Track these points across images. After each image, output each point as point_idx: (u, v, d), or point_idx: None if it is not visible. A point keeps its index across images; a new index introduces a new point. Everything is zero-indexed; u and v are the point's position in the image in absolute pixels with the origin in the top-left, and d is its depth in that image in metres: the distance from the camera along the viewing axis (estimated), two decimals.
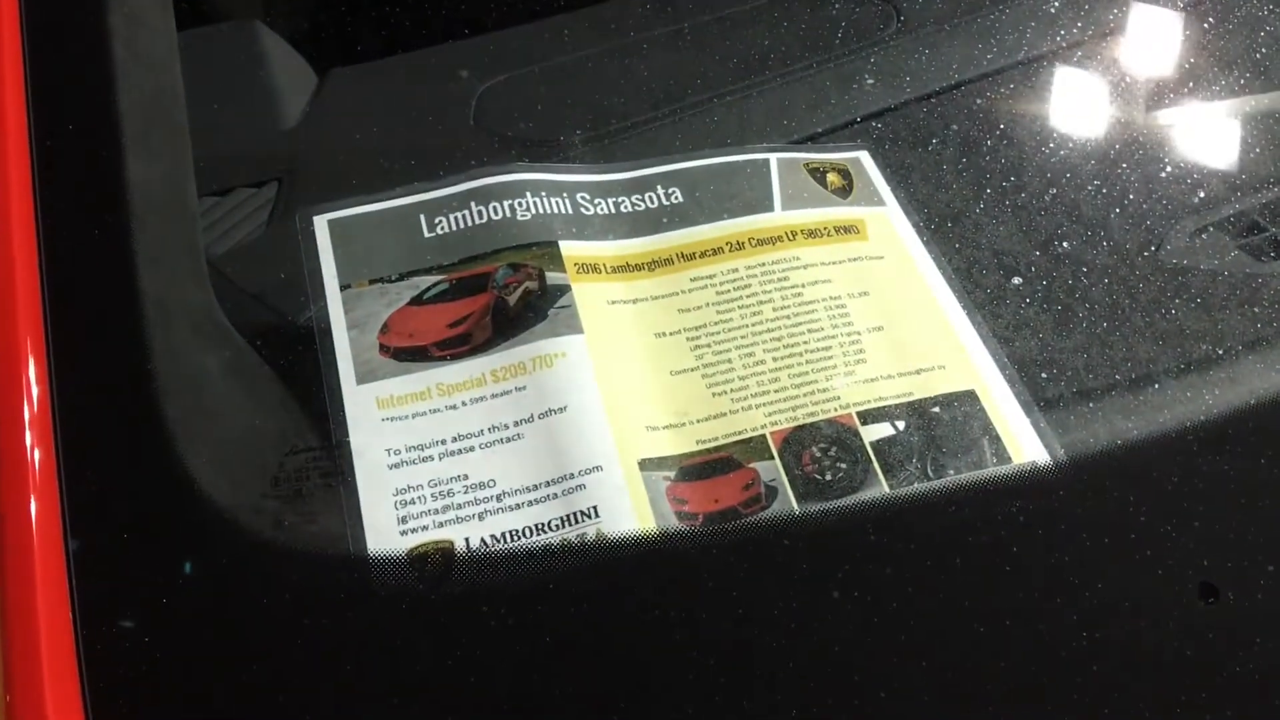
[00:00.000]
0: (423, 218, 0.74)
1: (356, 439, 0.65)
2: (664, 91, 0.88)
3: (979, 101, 0.83)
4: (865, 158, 0.80)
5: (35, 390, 0.64)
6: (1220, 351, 0.69)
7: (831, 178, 0.78)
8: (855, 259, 0.74)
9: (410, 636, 0.61)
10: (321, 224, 0.73)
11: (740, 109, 0.86)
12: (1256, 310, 0.72)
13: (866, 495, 0.64)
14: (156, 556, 0.61)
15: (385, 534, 0.62)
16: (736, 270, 0.73)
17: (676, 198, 0.76)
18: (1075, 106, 0.83)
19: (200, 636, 0.60)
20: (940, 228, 0.76)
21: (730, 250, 0.74)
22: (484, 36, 1.01)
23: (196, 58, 0.85)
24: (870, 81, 0.85)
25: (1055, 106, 0.83)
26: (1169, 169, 0.79)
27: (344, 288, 0.71)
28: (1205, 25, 0.88)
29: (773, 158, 0.78)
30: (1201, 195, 0.78)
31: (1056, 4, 0.88)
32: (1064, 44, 0.86)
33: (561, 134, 0.86)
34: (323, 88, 1.03)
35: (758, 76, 0.86)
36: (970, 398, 0.68)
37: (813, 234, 0.75)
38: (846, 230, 0.75)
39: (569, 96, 0.93)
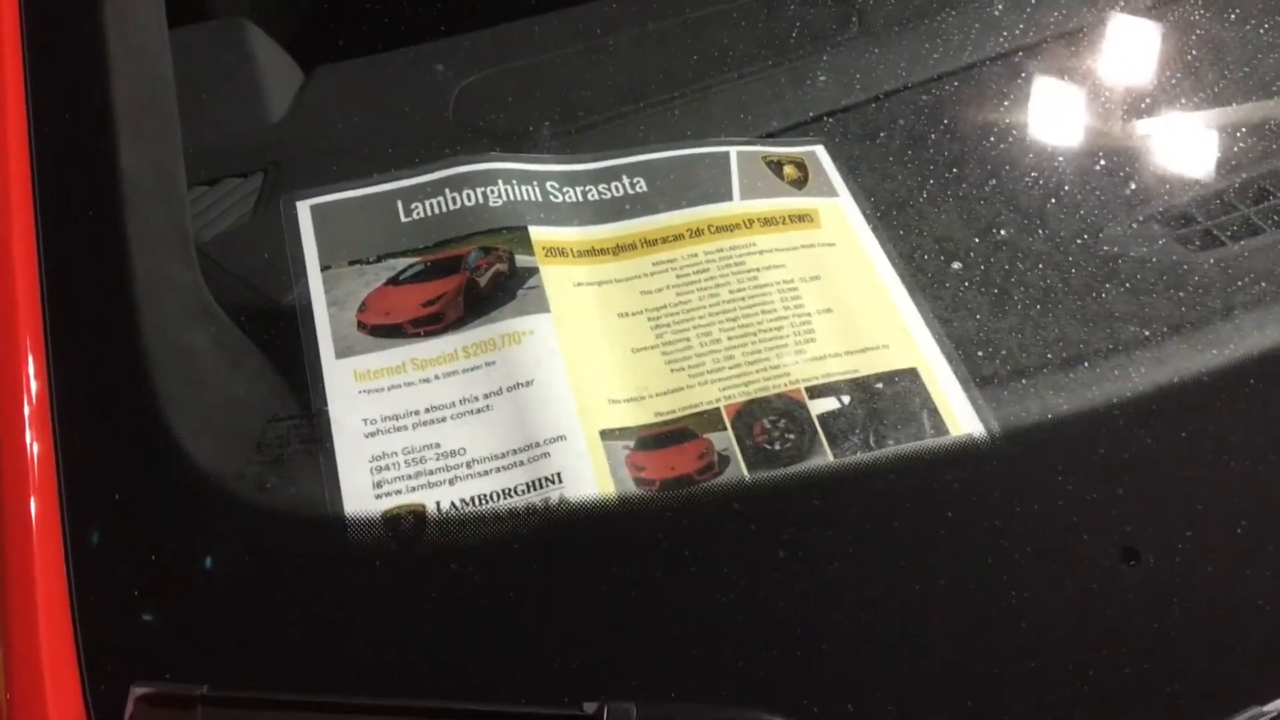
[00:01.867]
0: (400, 203, 0.78)
1: (335, 409, 0.69)
2: (630, 89, 0.92)
3: (926, 99, 0.87)
4: (821, 151, 0.85)
5: (33, 363, 0.68)
6: (1147, 333, 0.74)
7: (788, 170, 0.83)
8: (808, 245, 0.79)
9: (384, 593, 0.65)
10: (304, 208, 0.77)
11: (703, 106, 0.90)
12: (1182, 294, 0.76)
13: (812, 464, 0.68)
14: (147, 517, 0.65)
15: (361, 497, 0.66)
16: (696, 255, 0.77)
17: (641, 187, 0.81)
18: (1018, 105, 0.88)
19: (188, 591, 0.64)
20: (888, 217, 0.80)
21: (690, 236, 0.78)
22: (462, 36, 1.05)
23: (187, 53, 0.90)
24: (825, 80, 0.90)
25: (999, 105, 0.88)
26: (1106, 164, 0.84)
27: (325, 268, 0.75)
28: (1147, 28, 0.93)
29: (732, 150, 0.83)
30: (1134, 188, 0.83)
31: (1001, 7, 0.93)
32: (1008, 47, 0.91)
33: (533, 127, 0.90)
34: (309, 83, 1.07)
35: (720, 75, 0.91)
36: (912, 375, 0.73)
37: (769, 222, 0.79)
38: (801, 219, 0.80)
39: (541, 93, 0.97)
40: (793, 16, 0.95)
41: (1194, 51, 0.92)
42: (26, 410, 0.66)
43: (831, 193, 0.82)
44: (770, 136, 0.86)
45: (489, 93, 0.99)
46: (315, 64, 1.10)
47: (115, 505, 0.65)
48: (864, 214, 0.81)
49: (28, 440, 0.65)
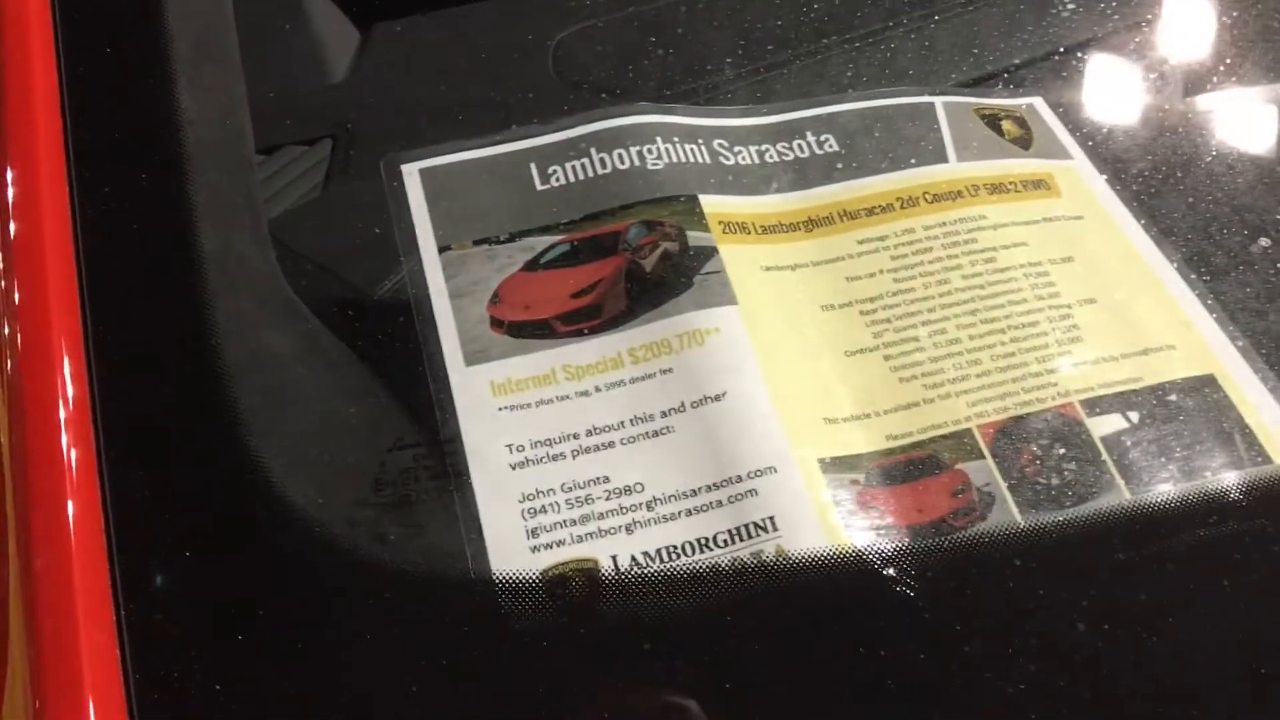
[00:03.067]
0: (534, 167, 0.61)
1: (471, 433, 0.52)
2: (787, 32, 0.75)
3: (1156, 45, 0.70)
4: (1040, 104, 0.68)
5: (70, 376, 0.51)
6: None
7: (1007, 126, 0.66)
8: (1050, 219, 0.62)
9: (547, 679, 0.48)
10: (413, 174, 0.60)
11: (880, 51, 0.73)
12: None
13: (1105, 502, 0.52)
14: (228, 584, 0.48)
15: (512, 550, 0.50)
16: (913, 230, 0.61)
17: (831, 145, 0.64)
18: None
19: (288, 685, 0.47)
20: (1141, 184, 0.64)
21: (902, 207, 0.61)
22: None
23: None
24: (1028, 21, 0.73)
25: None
26: None
27: (443, 250, 0.58)
28: None
29: (938, 101, 0.66)
30: None
31: None
32: None
33: (665, 87, 0.74)
34: (368, 43, 0.91)
35: (910, 15, 0.74)
36: (1210, 383, 0.56)
37: (997, 189, 0.63)
38: (1035, 185, 0.63)
39: (669, 45, 0.80)
40: None
41: None
42: (65, 442, 0.49)
43: (1064, 155, 0.66)
44: (974, 85, 0.69)
45: (598, 46, 0.82)
46: (369, 21, 0.94)
47: (184, 571, 0.48)
48: (1109, 182, 0.64)
49: (66, 484, 0.48)
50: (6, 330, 0.52)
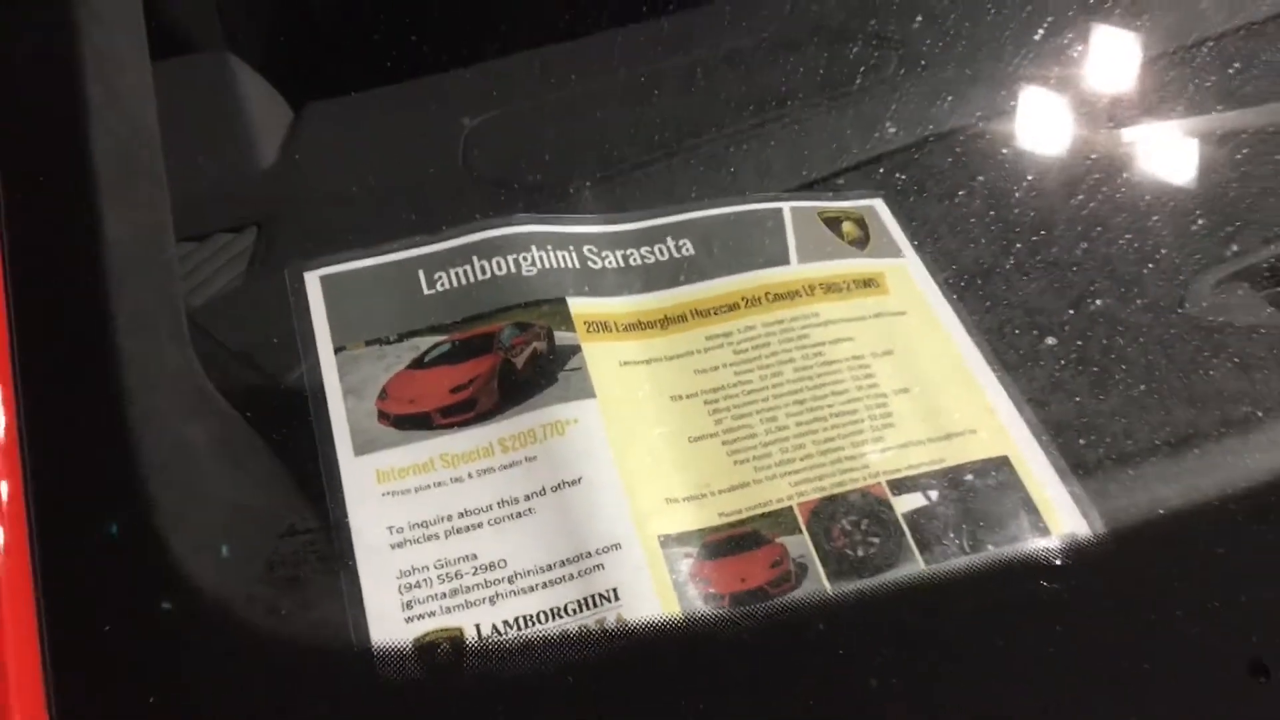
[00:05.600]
0: (422, 274, 0.69)
1: (356, 517, 0.61)
2: (659, 132, 0.84)
3: (1003, 150, 0.79)
4: (880, 205, 0.77)
5: (2, 466, 0.59)
6: (1260, 413, 0.66)
7: (847, 227, 0.75)
8: (877, 315, 0.71)
9: None
10: (314, 280, 0.68)
11: (748, 152, 0.82)
12: None
13: (902, 572, 0.60)
14: (140, 655, 0.56)
15: (389, 621, 0.58)
16: (754, 327, 0.69)
17: (688, 249, 0.72)
18: (1104, 155, 0.80)
19: None
20: (962, 282, 0.73)
21: (746, 306, 0.70)
22: (466, 69, 0.97)
23: (167, 93, 0.81)
24: (887, 126, 0.82)
25: (1083, 155, 0.80)
26: (1205, 223, 0.76)
27: (338, 350, 0.66)
28: (1237, 64, 0.86)
29: (786, 207, 0.75)
30: (1236, 248, 0.75)
31: (1053, 39, 0.85)
32: (1091, 89, 0.83)
33: (559, 179, 0.82)
34: (299, 124, 0.99)
35: (770, 117, 0.83)
36: (1004, 464, 0.65)
37: (831, 288, 0.71)
38: (866, 284, 0.72)
39: (560, 136, 0.89)
40: (843, 51, 0.87)
41: None
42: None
43: (896, 253, 0.74)
44: (819, 184, 0.78)
45: (504, 136, 0.91)
46: (301, 98, 1.01)
47: (102, 637, 0.56)
48: (933, 277, 0.73)
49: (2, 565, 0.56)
50: None
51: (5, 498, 0.57)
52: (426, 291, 0.68)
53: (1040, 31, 0.84)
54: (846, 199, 0.77)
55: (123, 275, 0.66)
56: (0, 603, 0.54)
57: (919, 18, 0.86)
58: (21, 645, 0.54)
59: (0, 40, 0.71)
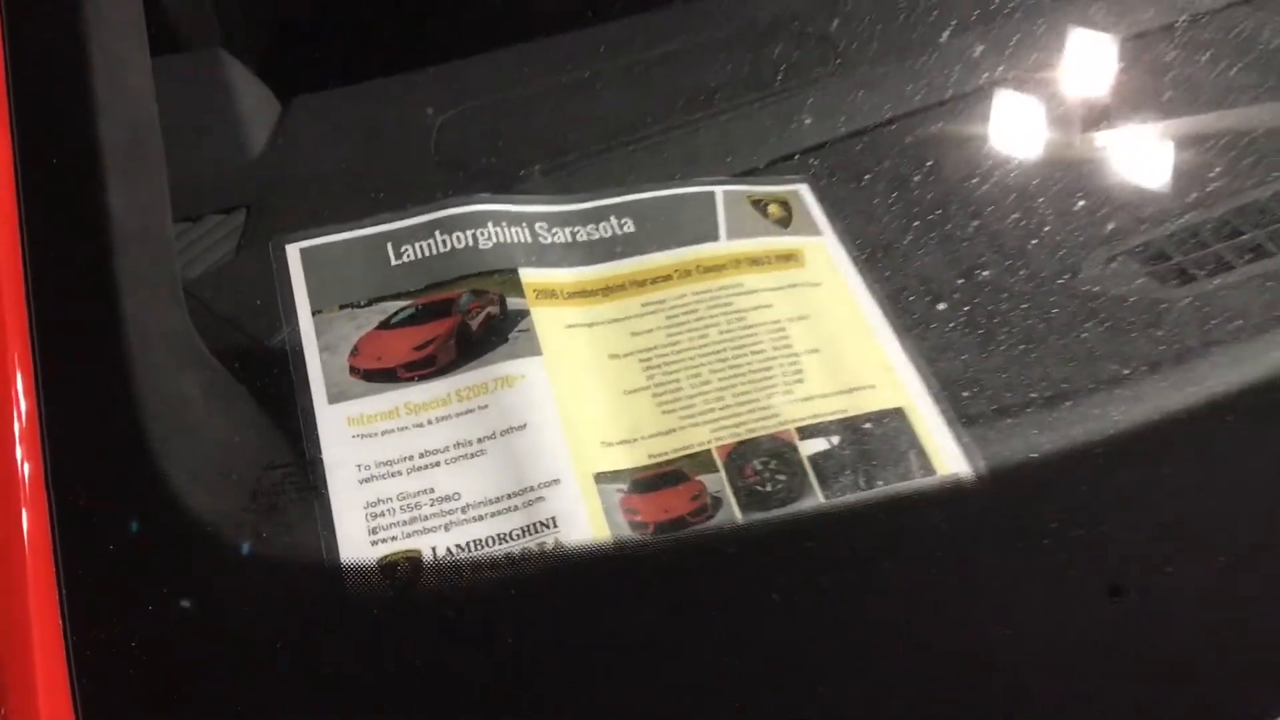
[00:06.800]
0: (390, 246, 0.78)
1: (329, 455, 0.70)
2: (614, 125, 0.93)
3: (906, 139, 0.89)
4: (805, 190, 0.86)
5: (25, 410, 0.68)
6: (1127, 371, 0.76)
7: (773, 209, 0.84)
8: (794, 285, 0.80)
9: (381, 641, 0.65)
10: (294, 252, 0.78)
11: (686, 142, 0.91)
12: (1160, 332, 0.78)
13: (803, 505, 0.69)
14: (142, 569, 0.65)
15: (357, 544, 0.67)
16: (684, 296, 0.78)
17: (629, 228, 0.81)
18: (997, 144, 0.90)
19: (186, 642, 0.64)
20: (870, 256, 0.82)
21: (679, 277, 0.79)
22: (442, 66, 1.06)
23: (165, 87, 0.89)
24: (808, 118, 0.91)
25: (978, 145, 0.89)
26: (1086, 203, 0.86)
27: (315, 313, 0.75)
28: (1123, 68, 0.95)
29: (718, 190, 0.84)
30: (1112, 227, 0.84)
31: (980, 48, 0.95)
32: (987, 85, 0.93)
33: (518, 166, 0.91)
34: (286, 116, 1.07)
35: (700, 112, 0.92)
36: (899, 415, 0.74)
37: (755, 262, 0.80)
38: (786, 259, 0.81)
39: (524, 128, 0.98)
40: (775, 52, 0.96)
41: (1169, 91, 0.94)
42: (19, 457, 0.65)
43: (815, 232, 0.83)
44: (750, 174, 0.87)
45: (472, 128, 1.00)
46: (290, 92, 1.10)
47: (110, 554, 0.65)
48: (848, 253, 0.82)
49: (21, 494, 0.65)
50: None
51: (24, 429, 0.66)
52: (394, 262, 0.78)
53: (945, 34, 0.94)
54: (773, 184, 0.86)
55: (126, 248, 0.75)
56: (24, 515, 0.63)
57: (837, 20, 0.95)
58: (38, 546, 0.63)
59: (20, 41, 0.80)
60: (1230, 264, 0.84)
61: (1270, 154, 0.90)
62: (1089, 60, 0.95)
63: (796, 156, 0.88)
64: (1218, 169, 0.88)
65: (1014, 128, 0.89)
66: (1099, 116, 0.91)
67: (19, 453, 0.66)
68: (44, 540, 0.64)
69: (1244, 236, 0.85)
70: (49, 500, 0.65)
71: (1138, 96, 0.93)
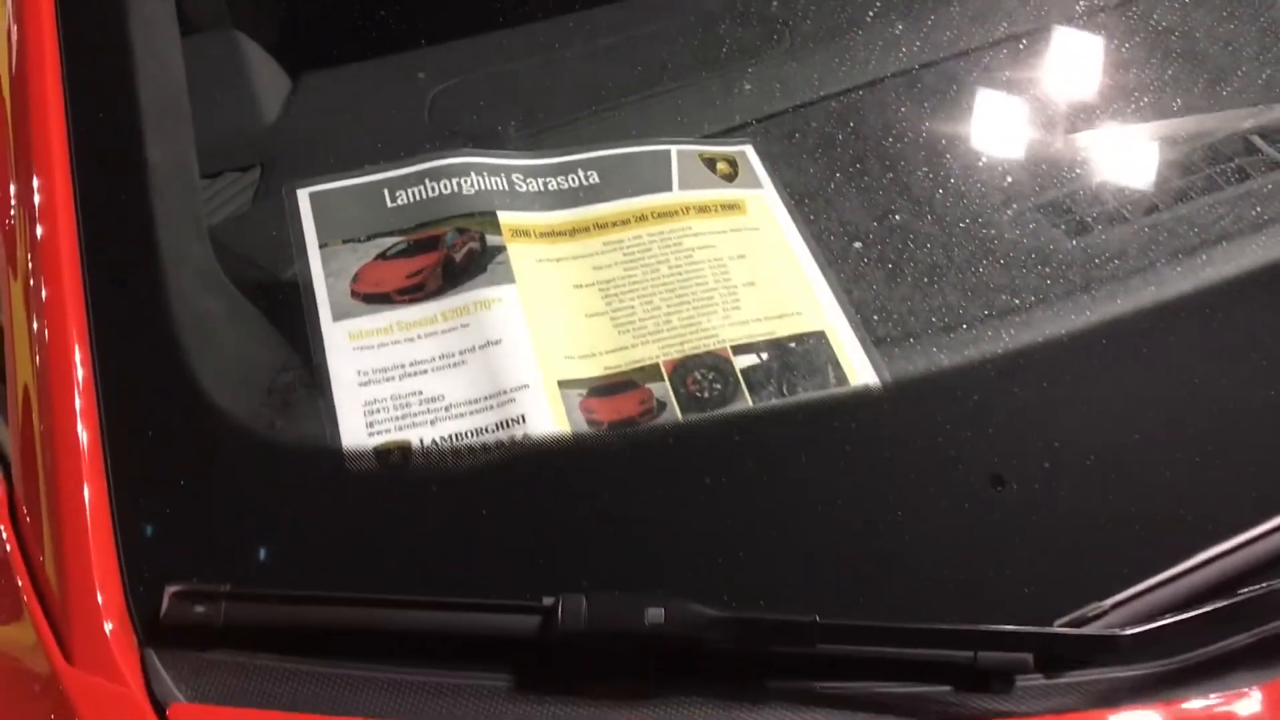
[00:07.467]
0: (386, 191, 0.91)
1: (333, 362, 0.82)
2: (584, 95, 1.06)
3: (837, 107, 1.02)
4: (750, 150, 0.99)
5: (76, 325, 0.80)
6: (1017, 302, 0.88)
7: (720, 165, 0.97)
8: (736, 230, 0.92)
9: (377, 513, 0.78)
10: (304, 195, 0.91)
11: (648, 111, 1.04)
12: (1048, 270, 0.91)
13: (734, 409, 0.82)
14: (177, 452, 0.78)
15: (356, 435, 0.79)
16: (640, 237, 0.91)
17: (594, 179, 0.94)
18: (916, 112, 1.02)
19: (213, 511, 0.77)
20: (803, 205, 0.94)
21: (635, 221, 0.92)
22: (436, 46, 1.18)
23: (190, 63, 1.02)
24: (753, 90, 1.04)
25: (899, 111, 1.02)
26: (987, 161, 0.99)
27: (323, 246, 0.88)
28: (1032, 46, 1.08)
29: (673, 149, 0.97)
30: (1010, 181, 0.97)
31: (902, 28, 1.08)
32: (909, 63, 1.06)
33: (500, 128, 1.04)
34: (297, 89, 1.20)
35: (664, 85, 1.05)
36: (820, 336, 0.86)
37: (703, 210, 0.93)
38: (730, 208, 0.94)
39: (507, 98, 1.10)
40: (726, 33, 1.09)
41: (1080, 60, 1.07)
42: (77, 360, 0.78)
43: (757, 185, 0.96)
44: (707, 138, 1.00)
45: (461, 98, 1.12)
46: (298, 69, 1.22)
47: (151, 440, 0.78)
48: (784, 203, 0.95)
49: (76, 392, 0.77)
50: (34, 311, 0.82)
51: (78, 340, 0.79)
52: (390, 205, 0.90)
53: (870, 15, 1.08)
54: (723, 144, 0.99)
55: (162, 194, 0.88)
56: (77, 404, 0.76)
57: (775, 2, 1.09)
58: (93, 446, 0.76)
59: (77, 26, 0.93)
60: (1123, 217, 0.97)
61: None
62: (1001, 42, 1.08)
63: (743, 124, 1.01)
64: (1118, 133, 1.00)
65: (930, 99, 1.02)
66: (1018, 87, 1.04)
67: (77, 356, 0.78)
68: (94, 434, 0.76)
69: (1142, 190, 0.97)
70: (97, 395, 0.77)
71: (1041, 72, 1.06)
